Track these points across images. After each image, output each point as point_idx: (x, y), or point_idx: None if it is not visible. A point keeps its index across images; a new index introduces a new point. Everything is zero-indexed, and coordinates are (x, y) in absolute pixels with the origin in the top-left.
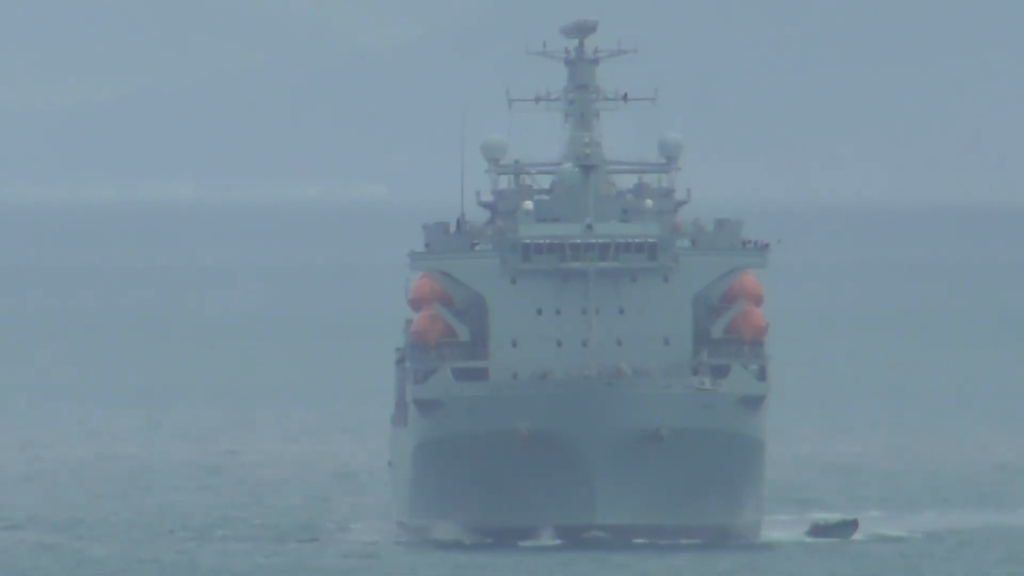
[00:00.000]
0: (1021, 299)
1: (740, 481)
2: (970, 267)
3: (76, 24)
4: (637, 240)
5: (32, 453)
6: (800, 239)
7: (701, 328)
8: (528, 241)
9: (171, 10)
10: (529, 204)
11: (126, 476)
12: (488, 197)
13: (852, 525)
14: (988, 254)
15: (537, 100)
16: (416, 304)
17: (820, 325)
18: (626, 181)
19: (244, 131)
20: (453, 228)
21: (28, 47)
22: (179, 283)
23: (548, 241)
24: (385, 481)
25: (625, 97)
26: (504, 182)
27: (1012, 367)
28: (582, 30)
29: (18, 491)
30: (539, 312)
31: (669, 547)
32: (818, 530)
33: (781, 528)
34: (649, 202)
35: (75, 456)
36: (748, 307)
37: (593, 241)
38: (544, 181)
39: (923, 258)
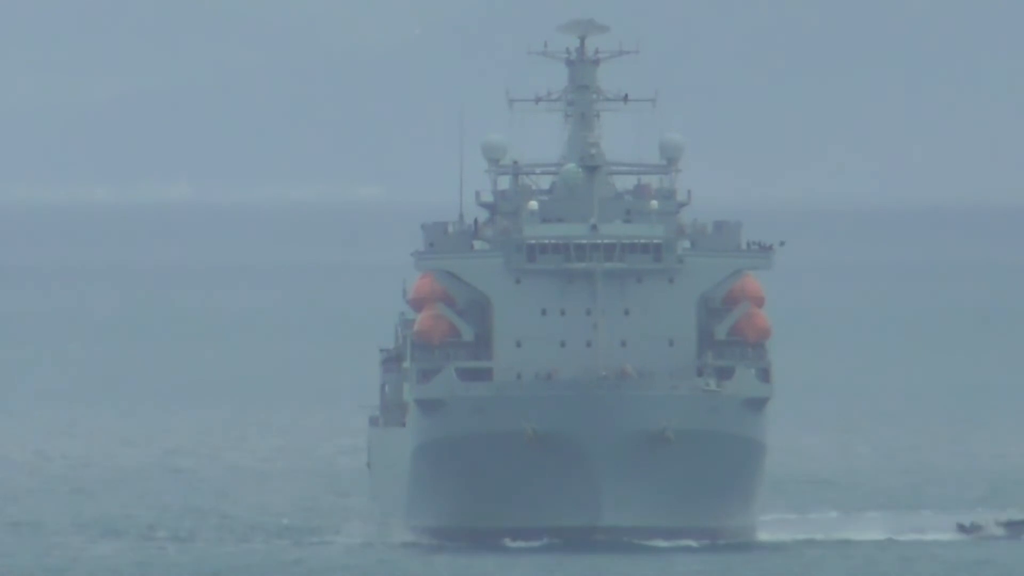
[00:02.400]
0: (1021, 299)
1: (743, 483)
2: (970, 267)
3: (72, 24)
4: (642, 241)
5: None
6: (800, 240)
7: (705, 330)
8: (533, 241)
9: (168, 10)
10: (534, 204)
11: (124, 475)
12: (488, 197)
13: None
14: (988, 254)
15: (537, 100)
16: (417, 304)
17: (820, 326)
18: (624, 182)
19: (241, 132)
20: (470, 227)
21: (24, 47)
22: (176, 283)
23: (553, 241)
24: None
25: (626, 98)
26: (504, 182)
27: (1012, 367)
28: (588, 29)
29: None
30: (544, 312)
31: (672, 548)
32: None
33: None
34: (654, 203)
35: (79, 455)
36: (752, 309)
37: (599, 242)
38: (544, 181)
39: (923, 258)
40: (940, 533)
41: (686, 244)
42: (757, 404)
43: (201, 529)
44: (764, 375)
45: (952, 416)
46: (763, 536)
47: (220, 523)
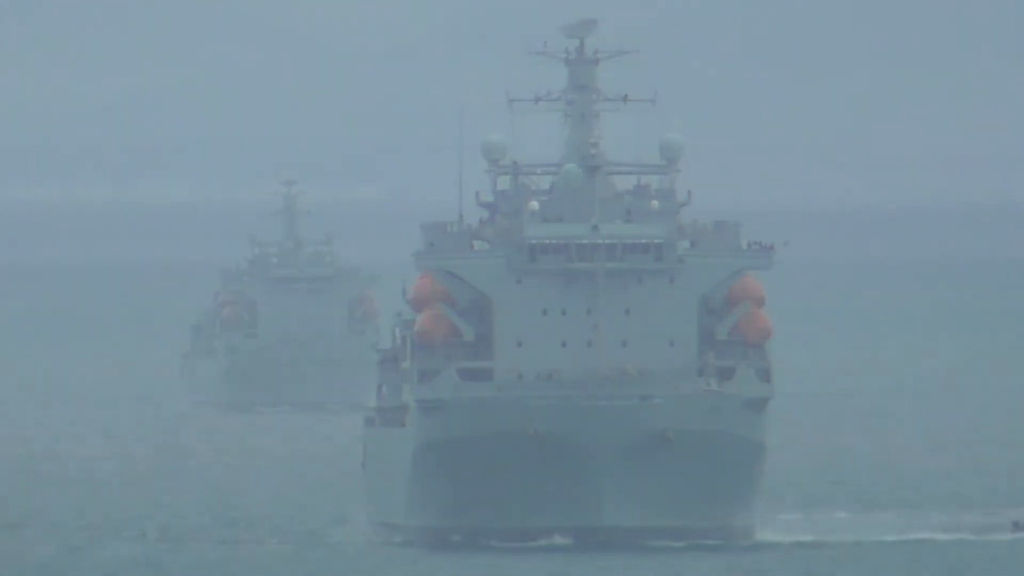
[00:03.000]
0: (1021, 297)
1: (743, 483)
2: (970, 267)
3: (72, 24)
4: (643, 241)
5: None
6: (800, 240)
7: (705, 330)
8: (535, 241)
9: (169, 9)
10: (535, 204)
11: (125, 475)
12: (488, 197)
13: None
14: (988, 254)
15: (537, 100)
16: (417, 304)
17: (820, 326)
18: (624, 182)
19: (242, 131)
20: (470, 227)
21: (24, 46)
22: (175, 282)
23: (555, 242)
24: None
25: (625, 98)
26: (504, 182)
27: (1009, 365)
28: (582, 29)
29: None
30: (544, 312)
31: (676, 548)
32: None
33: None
34: (655, 203)
35: (80, 456)
36: (753, 309)
37: (600, 242)
38: (544, 181)
39: (923, 258)
40: (948, 533)
41: (686, 244)
42: (758, 404)
43: (202, 529)
44: (765, 375)
45: (955, 415)
46: (769, 536)
47: (221, 523)
